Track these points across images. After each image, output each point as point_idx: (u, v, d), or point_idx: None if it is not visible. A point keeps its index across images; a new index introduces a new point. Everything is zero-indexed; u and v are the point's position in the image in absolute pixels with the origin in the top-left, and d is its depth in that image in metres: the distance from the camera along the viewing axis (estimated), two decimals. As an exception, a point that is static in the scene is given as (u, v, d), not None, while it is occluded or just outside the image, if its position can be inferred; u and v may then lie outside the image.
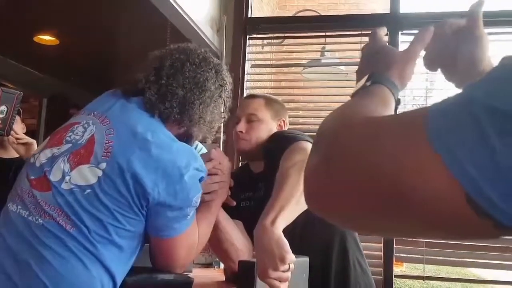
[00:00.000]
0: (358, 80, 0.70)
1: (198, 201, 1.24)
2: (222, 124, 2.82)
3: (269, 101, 1.75)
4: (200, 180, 1.23)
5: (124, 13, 3.46)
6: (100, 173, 1.12)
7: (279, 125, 1.73)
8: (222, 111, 1.41)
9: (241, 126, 1.67)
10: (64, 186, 1.13)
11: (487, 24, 0.74)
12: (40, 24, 3.84)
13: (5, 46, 4.22)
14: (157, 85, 1.27)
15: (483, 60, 0.73)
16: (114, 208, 1.12)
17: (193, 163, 1.20)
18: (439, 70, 0.79)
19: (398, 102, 0.68)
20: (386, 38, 2.98)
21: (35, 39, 4.07)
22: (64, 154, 1.17)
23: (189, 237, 1.25)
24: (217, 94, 1.35)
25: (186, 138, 1.34)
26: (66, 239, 1.09)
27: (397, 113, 0.64)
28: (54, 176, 1.15)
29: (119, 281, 1.15)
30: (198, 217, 1.30)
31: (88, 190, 1.12)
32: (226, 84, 1.39)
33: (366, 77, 0.68)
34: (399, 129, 0.43)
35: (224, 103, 1.41)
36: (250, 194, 1.68)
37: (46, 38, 4.07)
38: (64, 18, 3.65)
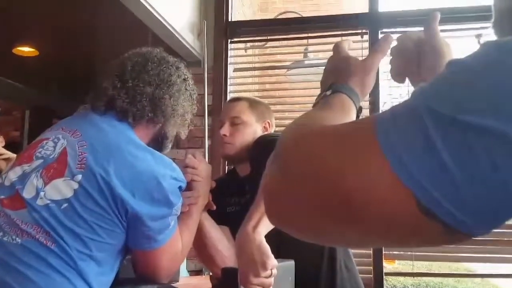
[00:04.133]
0: (322, 91, 0.70)
1: (179, 210, 1.23)
2: (207, 129, 2.83)
3: (253, 104, 1.73)
4: (179, 189, 1.22)
5: (104, 22, 3.43)
6: (76, 185, 1.10)
7: (264, 127, 1.71)
8: (191, 104, 1.42)
9: (225, 130, 1.65)
10: (39, 202, 1.10)
11: (443, 21, 0.75)
12: (19, 36, 3.79)
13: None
14: (124, 89, 1.27)
15: None
16: (92, 220, 1.10)
17: (169, 172, 1.19)
18: (407, 81, 0.80)
19: (359, 110, 0.68)
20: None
21: (14, 51, 4.02)
22: (36, 170, 1.15)
23: (172, 247, 1.23)
24: (183, 87, 1.38)
25: (161, 139, 1.33)
26: (47, 256, 1.06)
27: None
28: (27, 193, 1.12)
29: None
30: (180, 224, 1.28)
31: (65, 205, 1.09)
32: (188, 78, 1.42)
33: (327, 87, 0.68)
34: (348, 137, 0.43)
35: (190, 95, 1.42)
36: (236, 199, 1.66)
37: (25, 50, 4.03)
38: (43, 29, 3.61)
